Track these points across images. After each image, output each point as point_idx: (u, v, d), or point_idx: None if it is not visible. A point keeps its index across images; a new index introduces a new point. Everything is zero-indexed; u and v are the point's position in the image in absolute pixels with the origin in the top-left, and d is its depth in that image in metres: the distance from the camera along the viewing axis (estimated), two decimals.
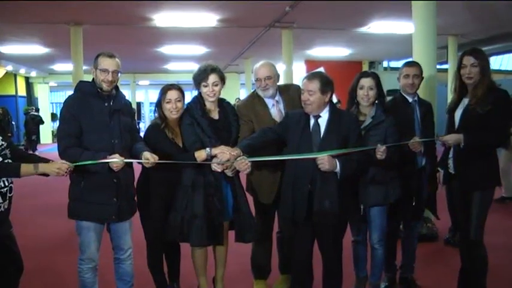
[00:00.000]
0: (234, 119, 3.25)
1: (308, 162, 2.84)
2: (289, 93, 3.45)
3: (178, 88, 3.16)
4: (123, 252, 3.07)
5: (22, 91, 20.18)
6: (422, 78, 3.56)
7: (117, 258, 3.09)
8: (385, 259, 3.45)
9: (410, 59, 4.14)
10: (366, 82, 3.21)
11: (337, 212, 2.86)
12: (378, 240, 3.30)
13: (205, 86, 3.09)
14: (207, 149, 3.00)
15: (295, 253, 3.09)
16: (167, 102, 3.11)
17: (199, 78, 3.10)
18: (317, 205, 2.86)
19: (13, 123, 15.14)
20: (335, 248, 3.02)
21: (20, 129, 18.00)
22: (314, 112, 2.93)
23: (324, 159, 2.77)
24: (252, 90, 3.52)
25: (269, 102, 3.37)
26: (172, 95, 3.11)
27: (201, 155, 3.01)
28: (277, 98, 3.39)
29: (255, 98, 3.40)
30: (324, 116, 2.95)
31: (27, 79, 20.69)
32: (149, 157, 2.82)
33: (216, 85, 3.09)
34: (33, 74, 19.48)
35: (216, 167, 2.96)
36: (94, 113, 2.83)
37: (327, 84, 2.92)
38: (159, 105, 3.17)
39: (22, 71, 18.34)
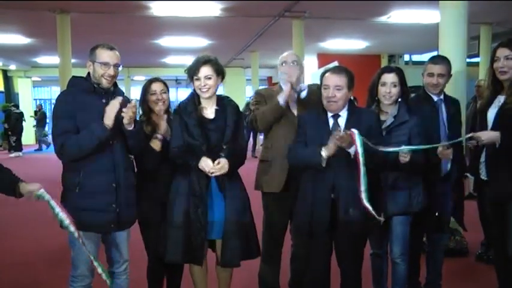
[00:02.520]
0: (234, 119, 3.14)
1: (328, 168, 2.84)
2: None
3: (162, 81, 3.36)
4: (119, 266, 3.07)
5: None
6: (451, 76, 3.53)
7: (112, 272, 3.08)
8: (408, 275, 3.43)
9: (435, 53, 4.11)
10: (389, 78, 3.19)
11: (362, 220, 2.85)
12: (400, 254, 3.28)
13: (197, 80, 3.07)
14: (156, 137, 3.15)
15: (311, 268, 3.10)
16: (152, 94, 3.28)
17: (191, 71, 3.10)
18: (341, 214, 2.86)
19: None
20: (356, 261, 3.03)
21: None
22: (338, 110, 2.95)
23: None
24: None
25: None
26: (156, 86, 3.30)
27: (155, 144, 3.15)
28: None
29: (278, 89, 3.52)
30: (343, 115, 2.97)
31: (5, 72, 20.70)
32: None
33: (209, 78, 3.05)
34: (12, 67, 19.57)
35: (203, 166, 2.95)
36: (91, 111, 2.83)
37: (352, 80, 2.96)
38: (143, 100, 3.33)
39: None
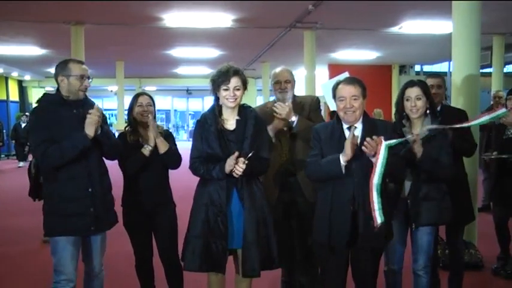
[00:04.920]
0: (253, 130, 3.11)
1: (347, 179, 2.84)
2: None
3: (149, 95, 3.70)
4: (97, 263, 3.19)
5: (14, 96, 20.50)
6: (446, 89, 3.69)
7: (90, 270, 3.20)
8: None
9: (446, 64, 4.14)
10: (412, 92, 3.20)
11: (383, 232, 2.79)
12: (424, 266, 3.22)
13: (226, 90, 3.05)
14: (147, 146, 3.43)
15: (326, 281, 3.07)
16: (138, 106, 3.57)
17: (220, 80, 3.05)
18: (362, 227, 2.83)
19: (4, 131, 15.33)
20: (374, 277, 3.00)
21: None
22: (356, 121, 2.94)
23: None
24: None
25: None
26: (143, 99, 3.60)
27: (145, 152, 3.43)
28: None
29: (270, 105, 3.63)
30: (359, 126, 2.95)
31: (20, 83, 21.04)
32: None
33: (238, 89, 3.06)
34: (27, 77, 19.81)
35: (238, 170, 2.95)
36: (64, 122, 3.01)
37: (365, 89, 2.96)
38: (130, 111, 3.62)
39: (14, 74, 18.67)
